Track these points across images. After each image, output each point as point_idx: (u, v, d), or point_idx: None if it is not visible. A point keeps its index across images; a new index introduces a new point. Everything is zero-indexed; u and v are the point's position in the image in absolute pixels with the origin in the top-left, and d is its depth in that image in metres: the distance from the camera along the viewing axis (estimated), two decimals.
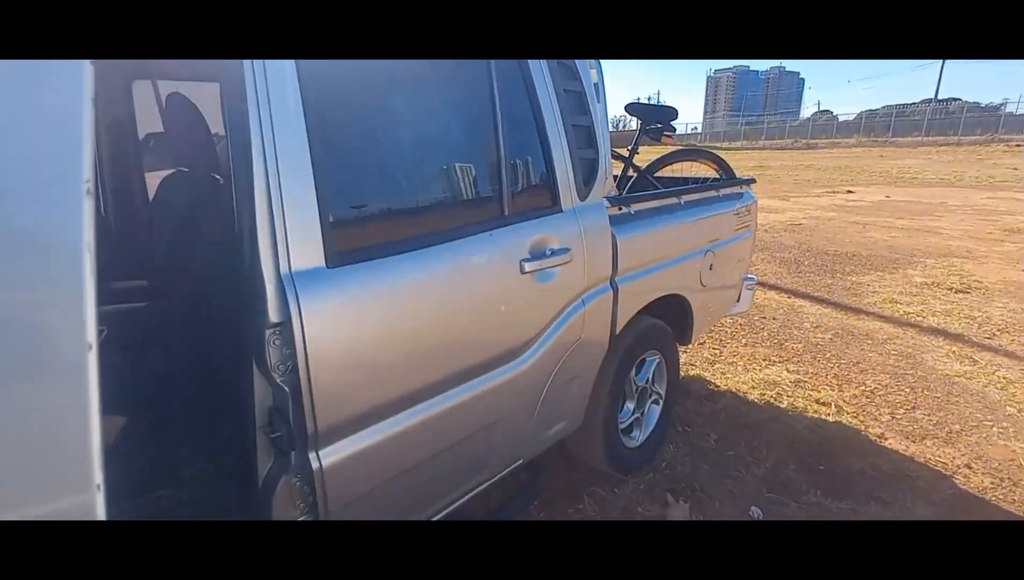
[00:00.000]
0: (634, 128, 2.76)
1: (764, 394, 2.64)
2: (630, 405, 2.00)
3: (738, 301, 2.60)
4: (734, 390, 2.70)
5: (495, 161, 1.38)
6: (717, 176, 2.61)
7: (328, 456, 1.06)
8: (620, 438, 1.95)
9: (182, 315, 1.37)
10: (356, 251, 1.08)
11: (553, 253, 1.47)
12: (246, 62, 0.91)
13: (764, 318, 3.69)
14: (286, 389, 1.00)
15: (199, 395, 1.22)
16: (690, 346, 2.81)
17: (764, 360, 3.04)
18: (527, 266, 1.39)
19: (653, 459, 2.10)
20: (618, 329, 1.74)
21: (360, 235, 1.14)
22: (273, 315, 0.97)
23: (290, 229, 0.97)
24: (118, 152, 1.95)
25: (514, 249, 1.39)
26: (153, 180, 1.96)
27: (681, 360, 2.68)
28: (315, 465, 1.04)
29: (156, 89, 2.01)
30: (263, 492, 1.05)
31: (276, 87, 0.95)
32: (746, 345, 3.26)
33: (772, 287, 4.38)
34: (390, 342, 1.13)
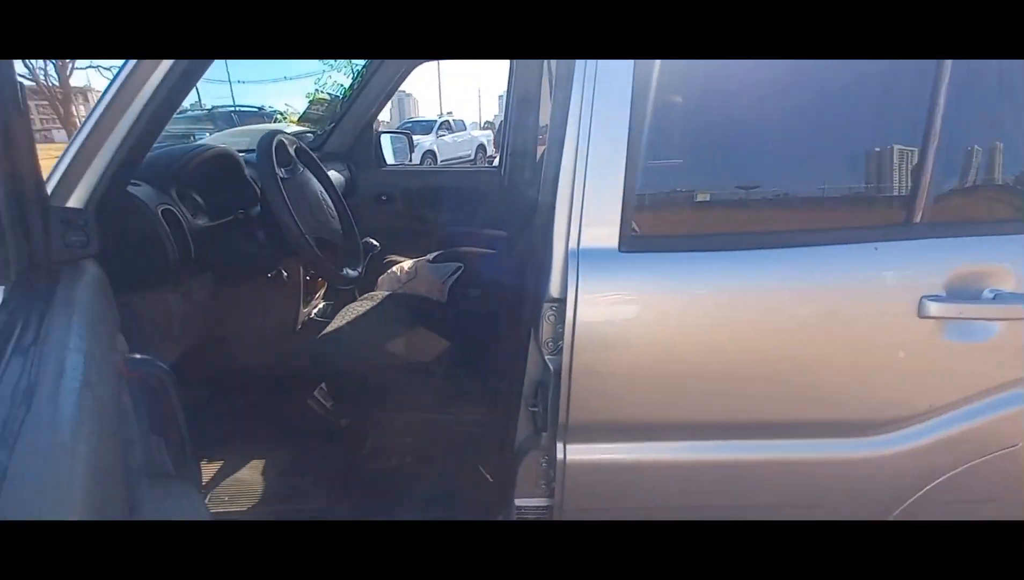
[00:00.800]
0: None
1: None
2: None
3: None
4: None
5: (913, 136, 0.90)
6: None
7: (574, 453, 0.97)
8: None
9: (516, 270, 1.52)
10: (658, 239, 0.90)
11: (997, 298, 0.88)
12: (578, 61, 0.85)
13: None
14: (550, 367, 0.95)
15: (502, 339, 1.32)
16: None
17: None
18: (933, 308, 0.88)
19: None
20: None
21: (669, 221, 0.94)
22: (554, 289, 0.91)
23: (588, 205, 0.87)
24: (525, 122, 2.30)
25: (914, 277, 0.90)
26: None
27: None
28: (559, 455, 0.97)
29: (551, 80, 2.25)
30: (514, 457, 1.06)
31: (607, 79, 0.85)
32: None
33: None
34: (676, 353, 0.92)
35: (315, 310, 1.71)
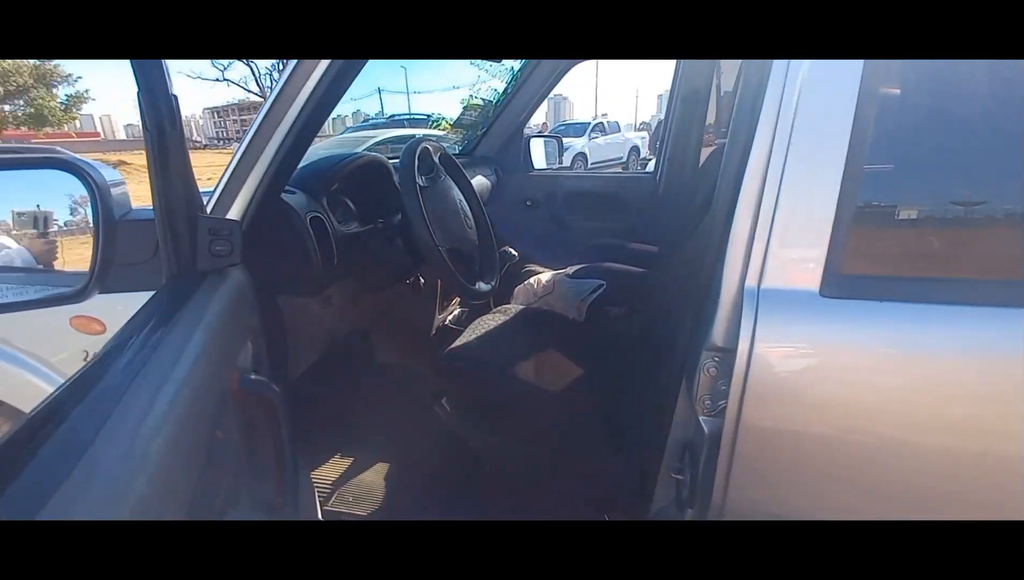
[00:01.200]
0: None
1: None
2: None
3: None
4: None
5: None
6: None
7: None
8: None
9: (661, 292, 1.32)
10: (882, 282, 0.66)
11: None
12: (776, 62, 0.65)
13: None
14: (704, 429, 0.76)
15: (644, 378, 1.14)
16: None
17: None
18: None
19: None
20: None
21: (898, 259, 0.68)
22: (718, 336, 0.72)
23: (780, 232, 0.66)
24: (688, 122, 2.05)
25: None
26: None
27: None
28: None
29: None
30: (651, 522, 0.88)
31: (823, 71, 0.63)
32: None
33: None
34: (897, 434, 0.66)
35: (450, 317, 1.71)
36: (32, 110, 23.28)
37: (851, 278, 0.66)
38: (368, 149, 2.77)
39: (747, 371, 0.68)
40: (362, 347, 1.50)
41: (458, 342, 1.18)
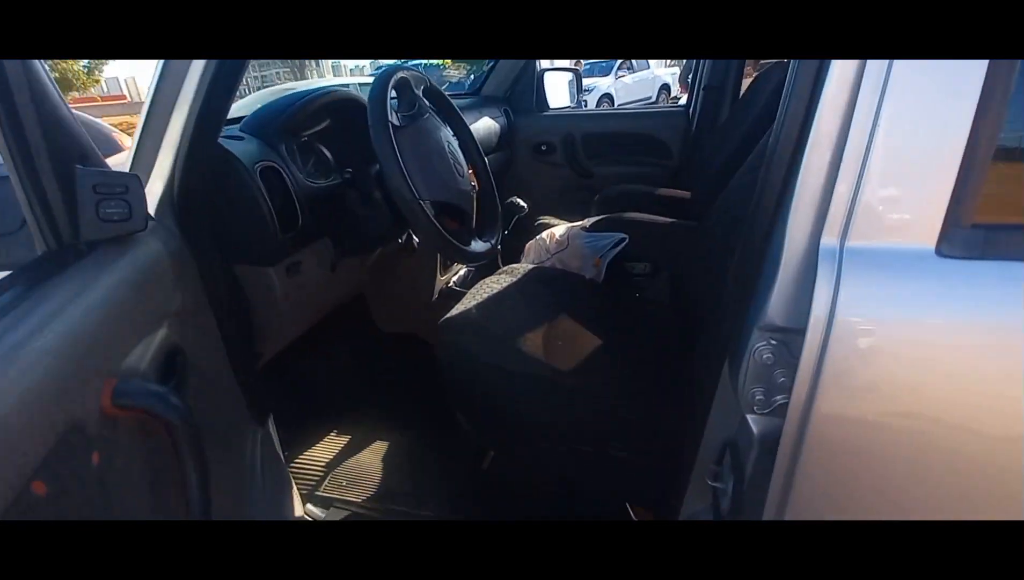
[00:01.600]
0: None
1: None
2: None
3: None
4: None
5: None
6: None
7: None
8: None
9: (695, 248, 1.11)
10: None
11: None
12: None
13: None
14: (753, 431, 0.59)
15: (673, 356, 0.96)
16: None
17: None
18: None
19: None
20: None
21: None
22: (775, 312, 0.53)
23: (874, 176, 0.46)
24: None
25: None
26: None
27: None
28: None
29: None
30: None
31: None
32: None
33: None
34: None
35: (455, 278, 1.54)
36: (56, 75, 23.52)
37: (983, 231, 0.45)
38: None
39: (821, 358, 0.50)
40: (353, 318, 1.36)
41: (454, 311, 1.02)
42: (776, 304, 0.53)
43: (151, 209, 0.70)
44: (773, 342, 0.54)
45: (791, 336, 0.53)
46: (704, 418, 0.68)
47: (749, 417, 0.59)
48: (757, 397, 0.57)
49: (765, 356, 0.55)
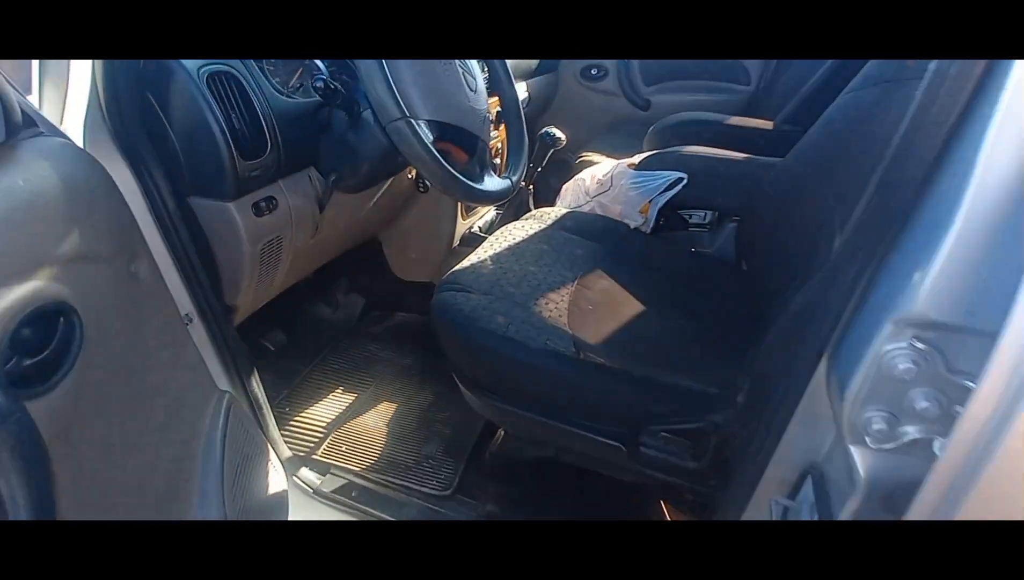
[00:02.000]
0: None
1: None
2: None
3: None
4: None
5: None
6: None
7: None
8: None
9: (779, 195, 0.86)
10: None
11: None
12: None
13: None
14: (860, 472, 0.40)
15: (738, 336, 0.75)
16: None
17: None
18: None
19: None
20: None
21: None
22: (930, 299, 0.32)
23: None
24: None
25: None
26: None
27: None
28: None
29: None
30: None
31: None
32: None
33: None
34: None
35: (479, 222, 1.35)
36: None
37: None
38: None
39: None
40: (366, 263, 1.21)
41: (462, 265, 0.84)
42: (936, 284, 0.31)
43: (62, 123, 0.55)
44: (919, 345, 0.33)
45: (958, 338, 0.32)
46: (779, 431, 0.48)
47: (854, 449, 0.39)
48: (875, 425, 0.37)
49: (902, 366, 0.34)
